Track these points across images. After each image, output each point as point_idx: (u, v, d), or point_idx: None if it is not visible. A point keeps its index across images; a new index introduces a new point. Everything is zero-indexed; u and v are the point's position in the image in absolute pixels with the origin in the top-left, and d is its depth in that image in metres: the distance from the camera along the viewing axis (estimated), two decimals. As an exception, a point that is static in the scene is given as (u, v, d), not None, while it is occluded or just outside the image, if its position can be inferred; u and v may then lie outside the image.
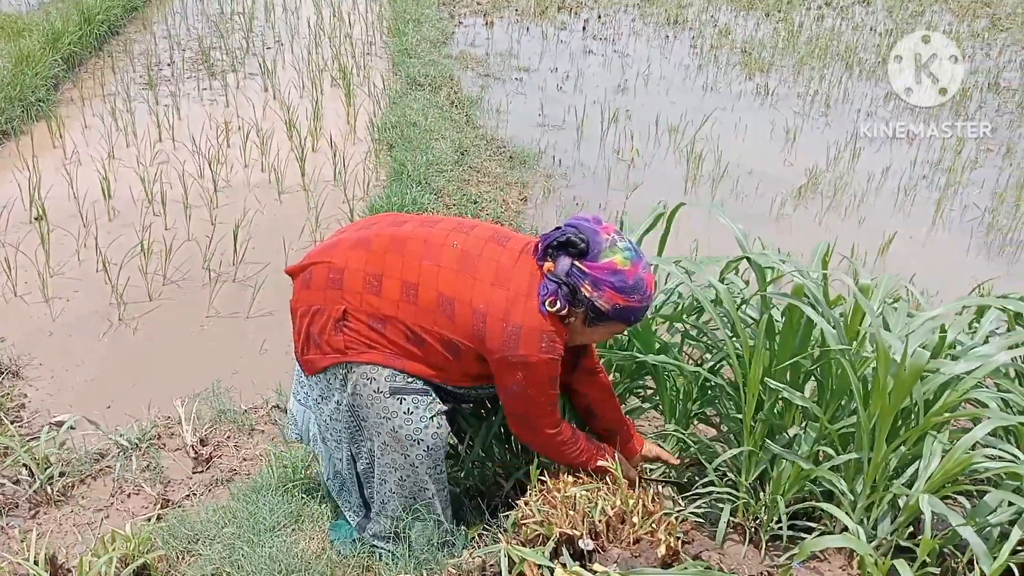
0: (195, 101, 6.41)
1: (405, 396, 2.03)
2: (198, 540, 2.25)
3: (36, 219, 4.53)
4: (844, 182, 5.64)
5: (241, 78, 6.89)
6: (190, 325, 3.80)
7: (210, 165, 5.12)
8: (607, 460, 2.11)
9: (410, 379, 2.04)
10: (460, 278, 1.98)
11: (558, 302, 1.93)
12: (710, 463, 2.21)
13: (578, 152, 6.03)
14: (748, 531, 2.15)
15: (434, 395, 2.08)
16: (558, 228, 1.99)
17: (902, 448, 1.94)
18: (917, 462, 1.93)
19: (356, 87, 6.64)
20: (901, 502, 1.95)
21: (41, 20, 7.51)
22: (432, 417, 2.06)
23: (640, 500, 1.94)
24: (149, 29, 8.04)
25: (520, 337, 1.93)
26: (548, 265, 1.97)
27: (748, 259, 2.18)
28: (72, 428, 2.96)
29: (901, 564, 1.71)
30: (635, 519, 1.88)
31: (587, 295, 1.93)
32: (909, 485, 1.94)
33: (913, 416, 1.95)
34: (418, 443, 2.05)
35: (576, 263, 1.94)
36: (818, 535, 2.06)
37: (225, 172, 5.18)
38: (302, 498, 2.42)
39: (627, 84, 7.48)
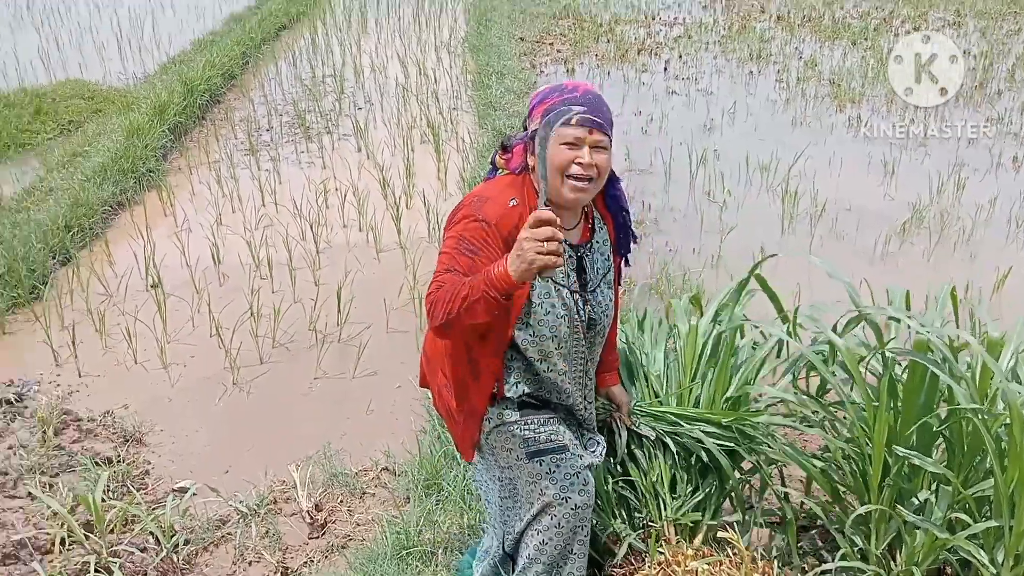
0: (294, 164, 6.68)
1: (543, 457, 2.04)
2: (321, 611, 2.30)
3: (152, 287, 4.78)
4: (950, 215, 5.44)
5: (336, 139, 7.15)
6: (299, 387, 3.92)
7: (311, 227, 5.31)
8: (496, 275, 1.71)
9: (544, 437, 2.03)
10: None
11: (496, 157, 2.04)
12: (833, 526, 2.13)
13: (667, 196, 6.01)
14: (879, 601, 2.06)
15: (571, 451, 2.06)
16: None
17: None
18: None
19: (445, 142, 6.80)
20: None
21: (148, 93, 8.00)
22: (576, 474, 2.05)
23: (765, 574, 1.88)
24: (247, 96, 8.44)
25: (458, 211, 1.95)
26: (499, 159, 2.06)
27: (863, 315, 2.12)
28: (194, 495, 3.08)
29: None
30: (761, 594, 1.83)
31: (531, 129, 1.91)
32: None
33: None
34: (566, 502, 2.04)
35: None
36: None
37: (326, 233, 5.36)
38: (417, 566, 2.45)
39: (713, 123, 7.43)
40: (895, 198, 5.79)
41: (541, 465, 2.04)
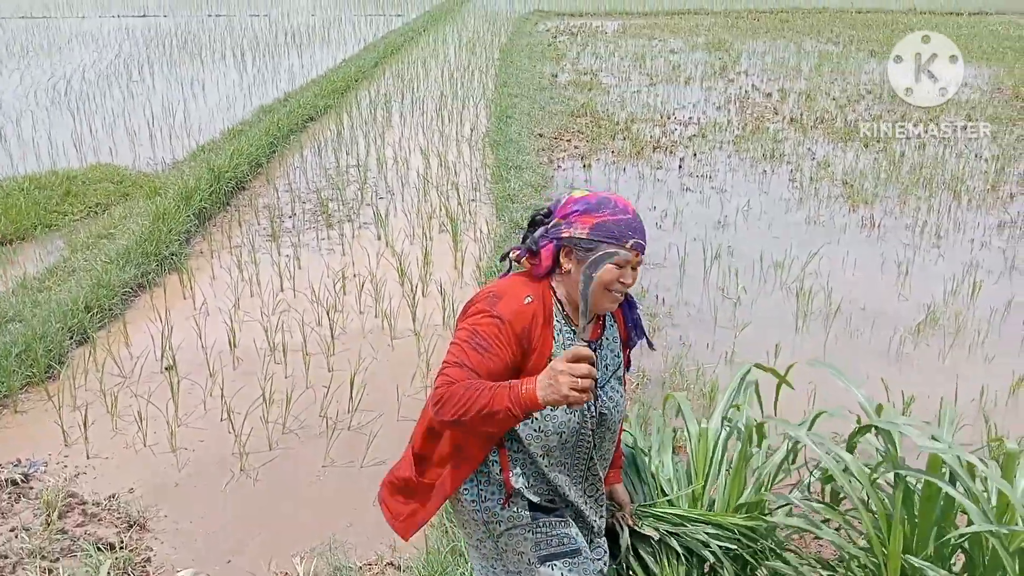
0: (314, 251, 6.79)
1: (556, 562, 2.01)
2: None
3: (167, 369, 4.81)
4: (965, 317, 5.42)
5: (356, 227, 7.29)
6: (307, 475, 3.89)
7: (328, 314, 5.36)
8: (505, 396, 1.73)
9: (556, 542, 2.02)
10: None
11: (519, 251, 2.06)
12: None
13: (681, 290, 6.04)
14: None
15: (583, 553, 2.05)
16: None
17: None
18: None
19: (463, 232, 6.91)
20: None
21: (176, 179, 8.21)
22: (585, 571, 2.03)
23: None
24: (272, 183, 8.66)
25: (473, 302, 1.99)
26: (516, 253, 2.09)
27: (876, 427, 2.10)
28: (195, 583, 3.02)
29: None
30: None
31: (567, 236, 1.96)
32: None
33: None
34: None
35: (546, 224, 2.04)
36: None
37: (342, 320, 5.41)
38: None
39: (727, 220, 7.52)
40: (909, 299, 5.79)
41: (554, 570, 2.00)
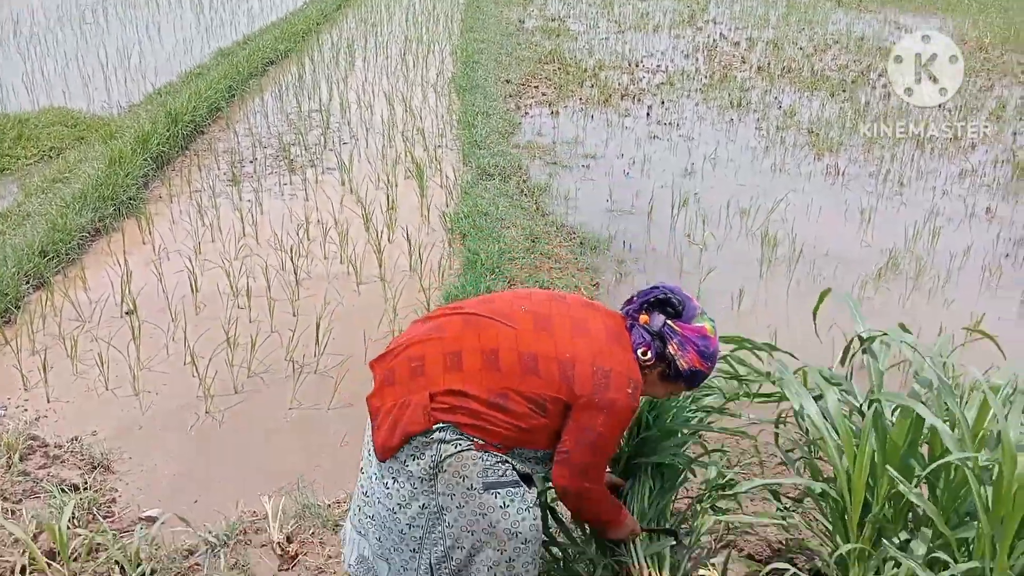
0: (276, 196, 6.66)
1: (499, 490, 2.03)
2: (289, 644, 2.24)
3: (127, 313, 4.72)
4: (925, 262, 5.51)
5: (319, 173, 7.16)
6: (274, 418, 3.86)
7: (291, 258, 5.28)
8: (624, 516, 2.23)
9: (501, 470, 2.04)
10: (538, 336, 2.06)
11: (650, 352, 2.11)
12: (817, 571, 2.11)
13: (648, 237, 6.05)
14: (859, 642, 2.04)
15: (525, 486, 2.09)
16: (655, 287, 2.17)
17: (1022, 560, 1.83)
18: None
19: (429, 179, 6.82)
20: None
21: (132, 122, 7.98)
22: (528, 508, 2.06)
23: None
24: (232, 128, 8.44)
25: (611, 380, 2.03)
26: (644, 318, 2.13)
27: (863, 343, 2.12)
28: (162, 524, 3.00)
29: None
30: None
31: (672, 352, 2.11)
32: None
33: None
34: (516, 535, 2.03)
35: (669, 322, 2.12)
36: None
37: (306, 265, 5.34)
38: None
39: (694, 168, 7.51)
40: (872, 245, 5.87)
41: (496, 498, 2.02)
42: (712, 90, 10.19)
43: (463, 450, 2.02)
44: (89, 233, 5.76)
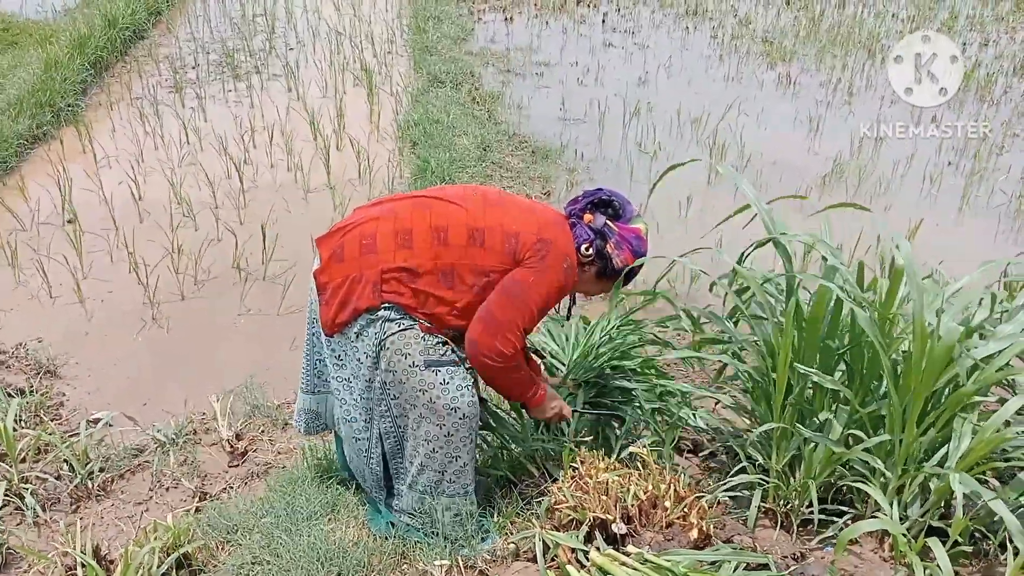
0: (220, 103, 6.48)
1: (440, 368, 2.10)
2: (237, 531, 2.30)
3: (68, 222, 4.63)
4: (869, 171, 5.61)
5: (265, 79, 6.97)
6: (222, 323, 3.87)
7: (236, 167, 5.19)
8: (540, 395, 2.29)
9: (442, 350, 2.12)
10: (489, 211, 2.16)
11: (591, 248, 2.22)
12: (742, 449, 2.22)
13: (600, 146, 6.04)
14: (779, 516, 2.17)
15: (465, 366, 2.17)
16: (600, 188, 2.29)
17: (932, 432, 1.95)
18: (947, 445, 1.94)
19: (378, 86, 6.69)
20: (932, 485, 1.95)
21: (68, 26, 7.64)
22: (468, 386, 2.14)
23: (672, 485, 1.96)
24: (174, 32, 8.13)
25: (549, 250, 2.14)
26: (588, 217, 2.24)
27: (774, 241, 2.19)
28: (110, 425, 3.03)
29: (934, 542, 1.72)
30: (667, 503, 1.90)
31: (610, 251, 2.23)
32: (940, 467, 1.95)
33: (943, 399, 1.95)
34: (455, 411, 2.11)
35: (608, 222, 2.24)
36: (849, 518, 2.07)
37: (252, 173, 5.25)
38: (337, 489, 2.47)
39: (648, 77, 7.47)
40: (819, 153, 5.94)
41: (436, 375, 2.10)
42: (668, -3, 10.05)
43: (405, 328, 2.08)
44: (27, 141, 5.58)
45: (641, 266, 2.29)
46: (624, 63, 7.86)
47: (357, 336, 2.12)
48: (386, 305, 2.09)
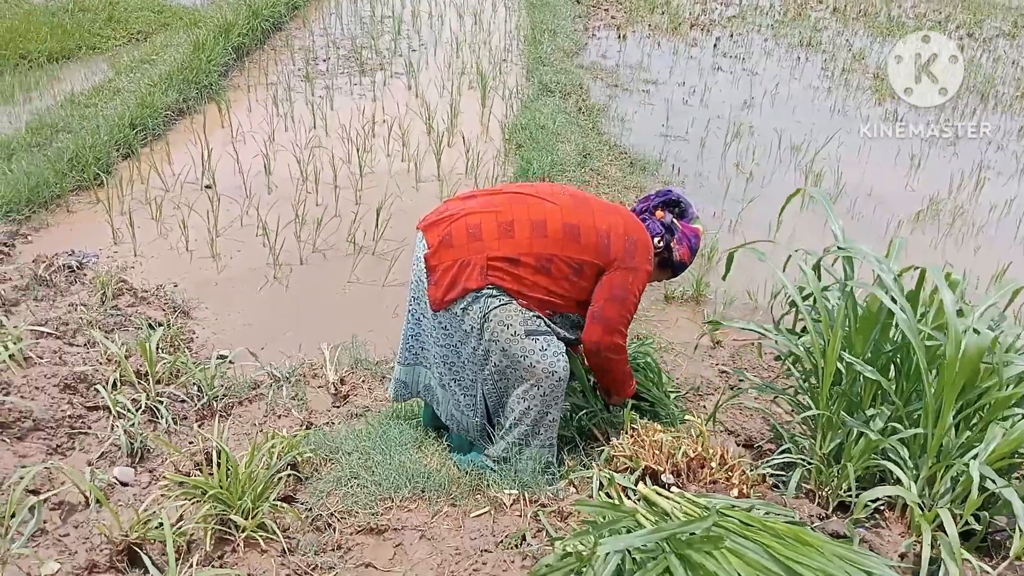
0: (346, 94, 7.00)
1: (538, 336, 2.41)
2: (338, 451, 2.66)
3: (207, 187, 5.16)
4: (964, 211, 5.65)
5: (388, 76, 7.46)
6: (334, 287, 4.28)
7: (357, 152, 5.64)
8: (634, 384, 2.68)
9: (538, 322, 2.43)
10: (579, 210, 2.47)
11: (662, 241, 2.61)
12: (787, 433, 2.44)
13: (699, 163, 6.25)
14: (819, 498, 2.38)
15: (557, 336, 2.49)
16: (669, 189, 2.67)
17: (967, 431, 2.13)
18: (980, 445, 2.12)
19: (491, 90, 7.08)
20: (962, 479, 2.13)
21: (214, 13, 8.35)
22: (562, 353, 2.45)
23: (719, 450, 2.20)
24: (308, 27, 8.76)
25: (637, 248, 2.50)
26: (660, 213, 2.62)
27: (840, 248, 2.41)
28: (231, 363, 3.45)
29: (944, 512, 1.92)
30: (713, 464, 2.15)
31: (673, 246, 2.61)
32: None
33: (978, 399, 2.14)
34: (552, 374, 2.41)
35: (674, 219, 2.65)
36: (883, 503, 2.27)
37: (370, 160, 5.70)
38: (426, 429, 2.80)
39: (753, 101, 7.63)
40: (916, 190, 6.00)
41: (536, 343, 2.39)
42: (784, 27, 10.15)
43: (507, 303, 2.40)
44: (173, 112, 6.19)
45: (691, 263, 2.69)
46: (731, 87, 8.04)
47: (464, 311, 2.45)
48: (490, 286, 2.41)
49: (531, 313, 2.43)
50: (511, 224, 2.44)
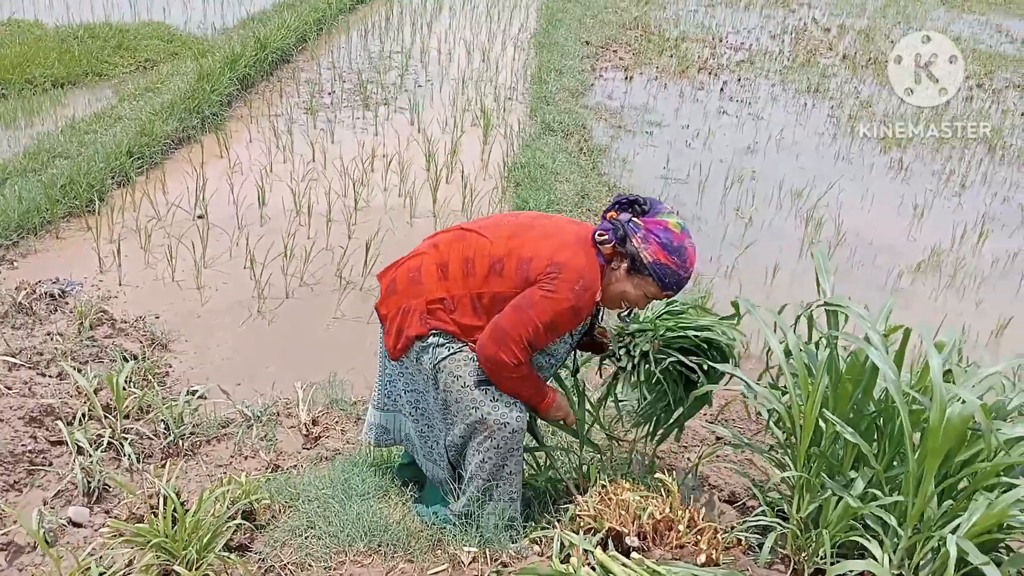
0: (348, 128, 7.00)
1: (490, 386, 2.31)
2: (299, 498, 2.57)
3: (199, 217, 5.12)
4: (967, 262, 5.55)
5: (392, 111, 7.47)
6: (318, 323, 4.21)
7: (354, 186, 5.61)
8: (547, 401, 2.40)
9: None
10: (510, 242, 2.31)
11: (607, 235, 2.27)
12: (763, 495, 2.33)
13: (698, 207, 6.19)
14: (794, 563, 2.26)
15: None
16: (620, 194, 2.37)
17: (948, 500, 2.02)
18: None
19: (494, 128, 7.07)
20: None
21: (223, 43, 8.41)
22: (516, 403, 2.35)
23: (688, 512, 2.10)
24: (316, 60, 8.81)
25: (561, 272, 2.24)
26: (612, 213, 2.32)
27: (826, 304, 2.32)
28: (204, 398, 3.38)
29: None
30: (681, 526, 2.04)
31: (636, 245, 2.25)
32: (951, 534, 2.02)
33: (962, 469, 2.03)
34: (504, 426, 2.32)
35: (634, 217, 2.29)
36: (858, 573, 2.15)
37: (366, 194, 5.66)
38: (392, 477, 2.70)
39: (757, 146, 7.58)
40: (918, 239, 5.91)
41: (486, 393, 2.32)
42: (792, 73, 10.14)
43: (455, 352, 2.32)
44: (173, 141, 6.20)
45: (688, 276, 2.32)
46: (735, 131, 8.00)
47: (416, 361, 2.38)
48: (434, 332, 2.33)
49: (474, 360, 2.34)
50: (446, 265, 2.35)
